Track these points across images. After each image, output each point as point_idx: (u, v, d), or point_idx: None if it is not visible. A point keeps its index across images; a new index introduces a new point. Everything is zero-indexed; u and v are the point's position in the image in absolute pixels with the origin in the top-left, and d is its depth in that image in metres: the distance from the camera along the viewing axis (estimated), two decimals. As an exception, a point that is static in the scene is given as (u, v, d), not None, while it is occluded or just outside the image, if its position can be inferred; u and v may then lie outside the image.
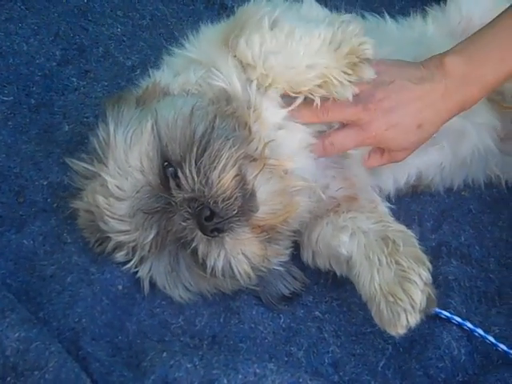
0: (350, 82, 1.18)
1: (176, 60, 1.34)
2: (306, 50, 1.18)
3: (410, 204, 1.52)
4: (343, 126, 1.28)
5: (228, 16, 1.38)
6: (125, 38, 1.81)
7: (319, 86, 1.19)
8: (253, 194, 1.13)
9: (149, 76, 1.34)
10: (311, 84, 1.19)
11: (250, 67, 1.23)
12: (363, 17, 1.56)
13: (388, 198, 1.45)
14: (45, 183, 1.41)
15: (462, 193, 1.56)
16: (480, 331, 1.26)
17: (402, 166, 1.42)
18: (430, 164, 1.47)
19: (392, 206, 1.40)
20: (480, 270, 1.42)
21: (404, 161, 1.35)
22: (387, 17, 1.56)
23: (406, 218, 1.46)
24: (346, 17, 1.23)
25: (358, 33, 1.18)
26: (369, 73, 1.18)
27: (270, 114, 1.24)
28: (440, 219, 1.51)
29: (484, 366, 1.25)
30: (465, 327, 1.27)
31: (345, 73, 1.17)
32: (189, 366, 1.06)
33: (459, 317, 1.28)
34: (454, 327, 1.28)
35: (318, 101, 1.21)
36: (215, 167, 1.10)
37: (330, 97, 1.20)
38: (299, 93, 1.21)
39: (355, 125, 1.25)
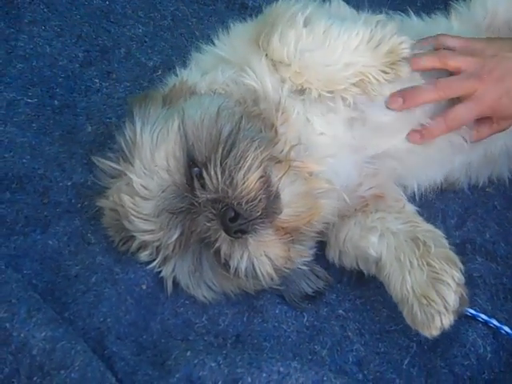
0: (386, 80, 1.19)
1: (205, 57, 1.35)
2: (344, 48, 1.19)
3: (434, 201, 1.51)
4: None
5: (250, 16, 1.40)
6: (146, 39, 1.81)
7: (355, 84, 1.20)
8: (277, 196, 1.13)
9: (175, 74, 1.35)
10: (347, 82, 1.20)
11: (282, 65, 1.22)
12: (387, 14, 1.54)
13: (411, 197, 1.44)
14: (69, 184, 1.42)
15: (487, 189, 1.55)
16: (506, 328, 1.25)
17: (430, 169, 1.43)
18: (460, 163, 1.46)
19: (415, 204, 1.39)
20: (505, 267, 1.40)
21: (436, 164, 1.39)
22: (411, 14, 1.54)
23: (429, 215, 1.44)
24: (381, 16, 1.24)
25: (396, 32, 1.19)
26: (406, 71, 1.20)
27: (301, 117, 1.24)
28: (464, 216, 1.50)
29: (510, 364, 1.24)
30: (491, 325, 1.26)
31: (383, 71, 1.19)
32: (213, 364, 1.06)
33: (485, 314, 1.27)
34: (480, 325, 1.27)
35: (351, 100, 1.22)
36: (240, 168, 1.10)
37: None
38: (332, 92, 1.21)
39: (471, 98, 1.28)
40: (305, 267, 1.27)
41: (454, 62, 1.28)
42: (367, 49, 1.19)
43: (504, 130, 1.36)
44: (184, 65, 1.38)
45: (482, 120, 1.34)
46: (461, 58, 1.29)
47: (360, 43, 1.19)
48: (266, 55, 1.24)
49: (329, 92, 1.22)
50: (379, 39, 1.18)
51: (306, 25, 1.20)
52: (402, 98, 1.26)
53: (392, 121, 1.30)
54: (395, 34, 1.20)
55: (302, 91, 1.24)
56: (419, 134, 1.31)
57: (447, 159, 1.42)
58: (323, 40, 1.19)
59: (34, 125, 1.54)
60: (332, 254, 1.33)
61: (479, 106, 1.28)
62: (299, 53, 1.19)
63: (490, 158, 1.47)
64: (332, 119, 1.27)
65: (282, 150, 1.18)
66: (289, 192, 1.14)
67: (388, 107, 1.28)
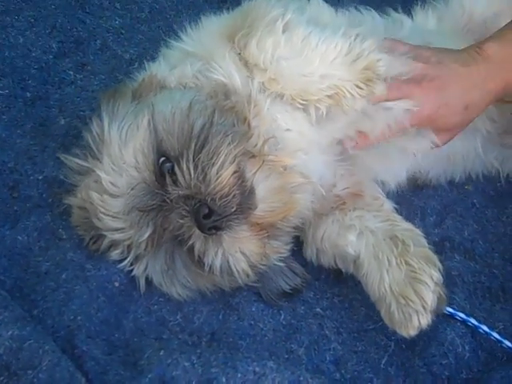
0: (360, 95, 1.17)
1: (173, 52, 1.32)
2: (321, 59, 1.17)
3: (413, 199, 1.50)
4: None
5: (228, 9, 1.37)
6: (123, 31, 1.79)
7: (329, 96, 1.18)
8: (251, 192, 1.11)
9: (145, 69, 1.32)
10: (322, 94, 1.18)
11: (257, 70, 1.21)
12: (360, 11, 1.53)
13: (389, 194, 1.42)
14: (40, 178, 1.39)
15: (466, 187, 1.55)
16: (484, 328, 1.24)
17: (402, 162, 1.42)
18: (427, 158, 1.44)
19: (394, 202, 1.38)
20: (484, 266, 1.40)
21: (404, 156, 1.37)
22: (388, 11, 1.54)
23: (408, 212, 1.44)
24: (361, 29, 1.23)
25: (374, 49, 1.18)
26: (381, 89, 1.19)
27: (272, 110, 1.22)
28: (443, 214, 1.49)
29: (489, 363, 1.23)
30: (469, 323, 1.26)
31: (358, 87, 1.17)
32: (186, 364, 1.04)
33: (463, 313, 1.26)
34: (458, 323, 1.26)
35: (324, 110, 1.20)
36: (213, 164, 1.08)
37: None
38: (307, 101, 1.20)
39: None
40: (281, 263, 1.24)
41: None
42: (344, 62, 1.17)
43: (444, 143, 1.35)
44: (154, 59, 1.36)
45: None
46: (405, 67, 1.27)
47: (337, 56, 1.17)
48: (239, 54, 1.22)
49: (303, 100, 1.20)
50: (357, 54, 1.17)
51: (284, 31, 1.19)
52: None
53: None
54: (374, 51, 1.18)
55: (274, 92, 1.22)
56: (354, 142, 1.30)
57: (407, 156, 1.40)
58: (301, 49, 1.18)
59: (4, 117, 1.51)
60: (309, 253, 1.31)
61: (416, 113, 1.26)
62: (276, 60, 1.18)
63: (458, 155, 1.48)
64: (298, 117, 1.25)
65: (256, 144, 1.16)
66: (263, 187, 1.12)
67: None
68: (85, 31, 1.76)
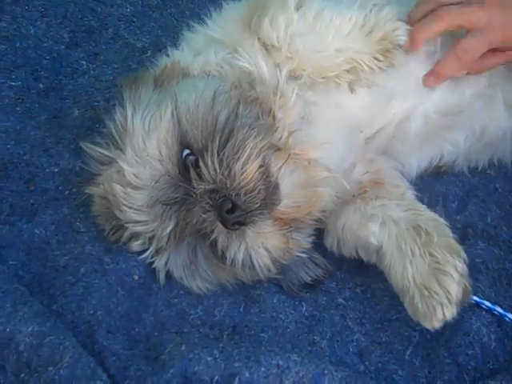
0: (379, 68, 1.16)
1: (197, 37, 1.31)
2: (335, 33, 1.16)
3: (434, 184, 1.48)
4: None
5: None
6: (134, 19, 1.78)
7: (347, 71, 1.17)
8: (276, 187, 1.10)
9: (166, 55, 1.31)
10: (339, 69, 1.17)
11: (274, 49, 1.19)
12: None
13: (411, 181, 1.41)
14: (56, 170, 1.38)
15: (488, 171, 1.52)
16: (511, 316, 1.22)
17: (428, 148, 1.39)
18: (455, 145, 1.42)
19: (415, 188, 1.37)
20: (508, 252, 1.37)
21: (431, 142, 1.35)
22: None
23: (430, 199, 1.42)
24: (377, 0, 1.19)
25: (391, 18, 1.16)
26: (401, 59, 1.17)
27: (299, 100, 1.20)
28: (465, 200, 1.47)
29: (515, 353, 1.21)
30: (495, 312, 1.23)
31: (375, 59, 1.16)
32: (209, 359, 1.03)
33: (488, 301, 1.24)
34: (484, 312, 1.24)
35: (345, 87, 1.19)
36: (239, 158, 1.07)
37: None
38: (325, 78, 1.18)
39: (478, 27, 1.22)
40: (303, 255, 1.23)
41: (450, 16, 1.22)
42: (360, 35, 1.16)
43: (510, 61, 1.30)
44: (175, 45, 1.34)
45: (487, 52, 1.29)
46: None
47: (353, 29, 1.16)
48: (258, 38, 1.21)
49: (321, 78, 1.19)
50: (373, 25, 1.15)
51: (298, 8, 1.17)
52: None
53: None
54: (390, 20, 1.16)
55: (298, 75, 1.21)
56: (434, 75, 1.27)
57: (438, 139, 1.39)
58: (314, 25, 1.16)
59: (18, 109, 1.50)
60: (330, 242, 1.30)
61: (488, 34, 1.22)
62: (290, 37, 1.17)
63: (488, 140, 1.43)
64: (330, 100, 1.23)
65: (281, 137, 1.14)
66: (288, 182, 1.11)
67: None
68: (96, 20, 1.75)
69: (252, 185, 1.07)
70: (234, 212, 1.06)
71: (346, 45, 1.15)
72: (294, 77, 1.21)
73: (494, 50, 1.27)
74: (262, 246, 1.11)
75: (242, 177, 1.06)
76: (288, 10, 1.16)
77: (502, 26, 1.22)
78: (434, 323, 1.11)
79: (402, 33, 1.16)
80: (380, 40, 1.15)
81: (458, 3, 1.23)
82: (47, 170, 1.38)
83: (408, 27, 1.19)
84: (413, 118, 1.32)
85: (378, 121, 1.30)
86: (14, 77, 1.56)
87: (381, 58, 1.16)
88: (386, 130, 1.31)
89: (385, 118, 1.30)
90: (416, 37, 1.22)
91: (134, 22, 1.77)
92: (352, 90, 1.19)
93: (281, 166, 1.10)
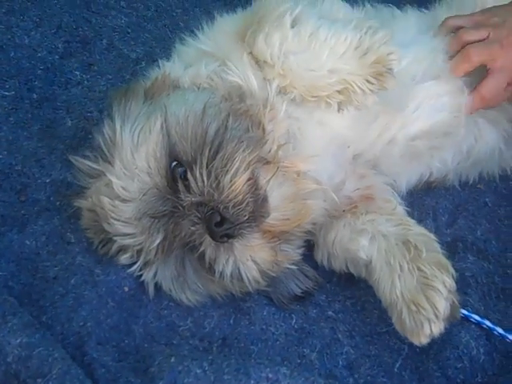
0: (371, 90, 1.15)
1: (188, 50, 1.31)
2: (329, 53, 1.15)
3: (424, 198, 1.49)
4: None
5: (236, 6, 1.35)
6: (129, 30, 1.78)
7: (339, 91, 1.16)
8: (265, 200, 1.10)
9: (158, 66, 1.30)
10: (331, 89, 1.16)
11: (267, 66, 1.19)
12: (377, 7, 1.51)
13: (401, 194, 1.40)
14: (47, 181, 1.38)
15: (478, 185, 1.53)
16: (499, 330, 1.22)
17: (416, 165, 1.40)
18: (443, 163, 1.43)
19: (407, 208, 1.36)
20: (497, 266, 1.38)
21: (418, 161, 1.38)
22: (403, 6, 1.51)
23: (420, 212, 1.43)
24: (373, 22, 1.20)
25: (386, 41, 1.16)
26: (392, 84, 1.16)
27: (288, 114, 1.21)
28: (455, 213, 1.47)
29: (504, 366, 1.22)
30: (484, 326, 1.24)
31: (368, 81, 1.15)
32: (198, 371, 1.03)
33: (477, 315, 1.24)
34: (473, 326, 1.25)
35: (335, 106, 1.18)
36: (227, 171, 1.06)
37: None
38: (316, 97, 1.18)
39: (495, 68, 1.28)
40: (293, 267, 1.23)
41: (478, 56, 1.29)
42: (354, 56, 1.15)
43: None
44: (167, 57, 1.34)
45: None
46: (478, 33, 1.30)
47: (347, 50, 1.15)
48: (250, 53, 1.21)
49: (312, 97, 1.18)
50: (367, 47, 1.15)
51: (293, 25, 1.17)
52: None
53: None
54: (384, 43, 1.15)
55: (288, 91, 1.21)
56: (468, 112, 1.35)
57: (425, 158, 1.40)
58: (309, 43, 1.15)
59: (11, 118, 1.50)
60: (320, 256, 1.30)
61: (506, 72, 1.28)
62: (283, 55, 1.16)
63: (476, 157, 1.44)
64: (313, 120, 1.24)
65: (270, 150, 1.14)
66: (277, 195, 1.11)
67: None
68: (91, 30, 1.75)
69: (240, 197, 1.07)
70: (222, 225, 1.06)
71: (340, 66, 1.15)
72: (284, 92, 1.21)
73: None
74: (250, 258, 1.10)
75: (231, 189, 1.06)
76: (283, 27, 1.16)
77: None
78: (422, 339, 1.11)
79: (395, 57, 1.15)
80: (373, 63, 1.14)
81: (481, 40, 1.30)
82: (39, 181, 1.38)
83: (400, 52, 1.19)
84: (396, 141, 1.33)
85: (363, 140, 1.30)
86: (7, 86, 1.56)
87: (373, 81, 1.15)
88: (372, 149, 1.32)
89: (369, 138, 1.31)
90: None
91: (128, 33, 1.77)
92: (340, 109, 1.19)
93: (269, 179, 1.10)
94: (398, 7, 1.50)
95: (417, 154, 1.36)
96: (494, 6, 1.37)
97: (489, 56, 1.28)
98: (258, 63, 1.20)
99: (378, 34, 1.16)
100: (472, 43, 1.30)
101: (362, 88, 1.15)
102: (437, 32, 1.38)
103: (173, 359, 1.06)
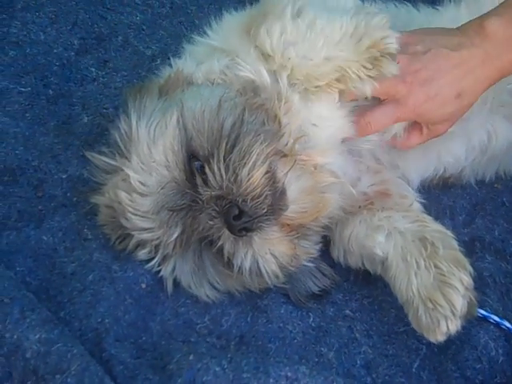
0: (369, 76, 1.14)
1: (198, 49, 1.30)
2: (325, 41, 1.14)
3: (441, 197, 1.48)
4: (378, 103, 1.23)
5: (250, 3, 1.35)
6: (144, 27, 1.78)
7: (337, 80, 1.15)
8: (283, 192, 1.09)
9: (170, 65, 1.31)
10: (329, 77, 1.15)
11: (270, 57, 1.19)
12: (394, 4, 1.50)
13: (418, 193, 1.40)
14: (64, 177, 1.38)
15: (495, 185, 1.51)
16: (519, 330, 1.21)
17: (428, 160, 1.39)
18: (456, 159, 1.42)
19: (423, 200, 1.36)
20: (515, 266, 1.36)
21: (429, 154, 1.35)
22: (419, 3, 1.51)
23: (437, 211, 1.42)
24: (372, 8, 1.20)
25: (382, 26, 1.13)
26: (391, 68, 1.14)
27: (302, 106, 1.20)
28: (473, 213, 1.46)
29: (523, 367, 1.20)
30: (502, 326, 1.23)
31: (364, 67, 1.13)
32: (217, 369, 1.02)
33: (496, 315, 1.24)
34: (491, 326, 1.24)
35: (336, 95, 1.18)
36: (245, 164, 1.06)
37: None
38: (317, 87, 1.17)
39: (392, 100, 1.21)
40: (310, 264, 1.23)
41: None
42: (349, 43, 1.14)
43: (439, 135, 1.27)
44: (179, 55, 1.34)
45: (411, 126, 1.27)
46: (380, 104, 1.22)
47: (343, 37, 1.14)
48: (256, 46, 1.20)
49: (314, 87, 1.18)
50: (362, 33, 1.13)
51: (295, 17, 1.16)
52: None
53: None
54: (380, 28, 1.13)
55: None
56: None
57: (439, 151, 1.39)
58: (306, 33, 1.15)
59: (27, 115, 1.50)
60: (337, 253, 1.29)
61: (399, 110, 1.21)
62: (283, 46, 1.16)
63: (491, 154, 1.43)
64: (329, 111, 1.23)
65: (287, 143, 1.14)
66: (295, 188, 1.10)
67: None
68: (106, 27, 1.75)
69: (258, 190, 1.06)
70: (240, 218, 1.06)
71: (335, 53, 1.14)
72: (294, 84, 1.20)
73: (421, 129, 1.26)
74: (269, 252, 1.10)
75: (249, 183, 1.06)
76: (284, 18, 1.16)
77: (416, 104, 1.20)
78: (438, 336, 1.10)
79: (391, 41, 1.13)
80: (369, 48, 1.13)
81: None
82: (55, 177, 1.38)
83: (398, 34, 1.15)
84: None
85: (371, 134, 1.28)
86: (23, 83, 1.56)
87: (369, 66, 1.13)
88: (378, 142, 1.31)
89: (373, 136, 1.29)
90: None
91: (143, 29, 1.77)
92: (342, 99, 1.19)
93: (287, 172, 1.10)
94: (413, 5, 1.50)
95: (426, 145, 1.34)
96: (431, 30, 1.28)
97: (386, 88, 1.18)
98: (264, 56, 1.20)
99: (374, 19, 1.14)
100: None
101: (358, 74, 1.13)
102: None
103: (191, 357, 1.05)
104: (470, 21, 1.24)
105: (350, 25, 1.14)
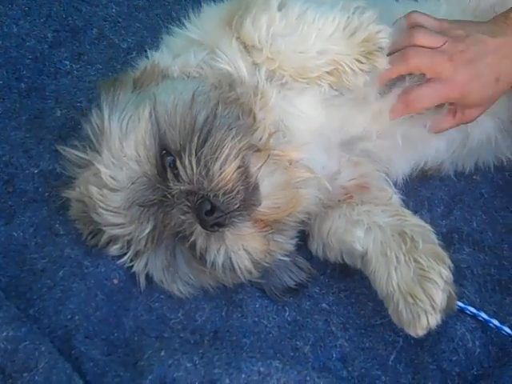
0: (362, 70, 1.15)
1: (176, 40, 1.29)
2: (318, 34, 1.14)
3: (420, 189, 1.47)
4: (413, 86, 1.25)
5: (228, -3, 1.33)
6: (120, 19, 1.76)
7: (329, 73, 1.16)
8: (256, 188, 1.08)
9: (146, 57, 1.29)
10: (321, 70, 1.16)
11: (255, 50, 1.18)
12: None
13: (396, 185, 1.40)
14: (35, 171, 1.37)
15: (474, 176, 1.51)
16: (495, 322, 1.21)
17: (410, 153, 1.39)
18: (438, 151, 1.42)
19: (401, 193, 1.36)
20: (493, 257, 1.37)
21: (413, 147, 1.35)
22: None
23: (415, 203, 1.42)
24: (360, 2, 1.19)
25: (374, 20, 1.15)
26: (383, 62, 1.16)
27: (278, 101, 1.19)
28: (451, 204, 1.46)
29: (500, 359, 1.20)
30: (479, 318, 1.23)
31: (358, 61, 1.15)
32: (188, 365, 1.01)
33: (473, 307, 1.23)
34: (468, 318, 1.24)
35: (326, 88, 1.18)
36: (217, 158, 1.05)
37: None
38: (306, 79, 1.17)
39: (438, 78, 1.22)
40: (286, 258, 1.22)
41: (416, 60, 1.22)
42: (342, 36, 1.15)
43: (468, 122, 1.30)
44: (156, 47, 1.33)
45: (445, 110, 1.29)
46: (432, 39, 1.23)
47: (335, 30, 1.15)
48: (238, 38, 1.20)
49: (302, 78, 1.18)
50: (355, 27, 1.14)
51: (280, 8, 1.16)
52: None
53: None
54: (373, 22, 1.15)
55: (277, 76, 1.20)
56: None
57: (421, 144, 1.38)
58: (297, 25, 1.15)
59: (-2, 109, 1.49)
60: (315, 247, 1.28)
61: (446, 87, 1.23)
62: (271, 38, 1.15)
63: (471, 146, 1.43)
64: (305, 106, 1.23)
65: (261, 138, 1.13)
66: (268, 183, 1.09)
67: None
68: (81, 20, 1.73)
69: (231, 185, 1.05)
70: (212, 213, 1.05)
71: (328, 46, 1.14)
72: (272, 78, 1.20)
73: (455, 111, 1.28)
74: (242, 248, 1.09)
75: (221, 177, 1.05)
76: (270, 10, 1.15)
77: (463, 82, 1.22)
78: (418, 331, 1.10)
79: (384, 35, 1.15)
80: (363, 42, 1.14)
81: (432, 47, 1.23)
82: (27, 172, 1.36)
83: (390, 29, 1.18)
84: (389, 127, 1.31)
85: (352, 127, 1.29)
86: (-5, 76, 1.55)
87: (363, 60, 1.14)
88: (365, 135, 1.31)
89: (361, 125, 1.29)
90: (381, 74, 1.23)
91: (119, 22, 1.75)
92: (332, 91, 1.20)
93: (260, 167, 1.09)
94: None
95: (410, 139, 1.35)
96: (466, 21, 1.32)
97: (430, 64, 1.22)
98: (246, 48, 1.19)
99: (366, 14, 1.16)
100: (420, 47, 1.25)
101: (352, 68, 1.15)
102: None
103: (163, 353, 1.05)
104: (496, 15, 1.29)
105: (342, 18, 1.15)
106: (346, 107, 1.26)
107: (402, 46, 1.24)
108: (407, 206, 1.32)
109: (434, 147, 1.40)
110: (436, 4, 1.50)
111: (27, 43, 1.64)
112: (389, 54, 1.19)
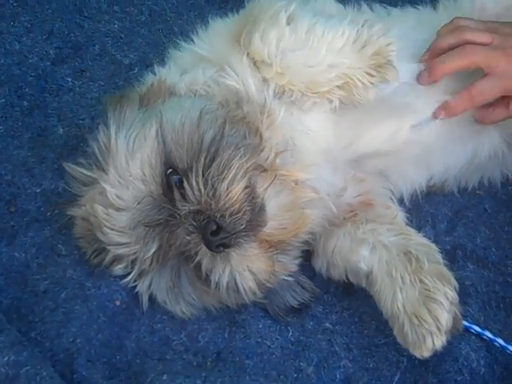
0: (372, 84, 1.15)
1: (184, 55, 1.29)
2: (328, 48, 1.14)
3: (423, 205, 1.45)
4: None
5: (231, 10, 1.34)
6: (122, 35, 1.76)
7: (339, 87, 1.16)
8: (262, 208, 1.07)
9: (153, 73, 1.29)
10: (331, 84, 1.16)
11: (264, 65, 1.18)
12: (371, 7, 1.49)
13: (401, 202, 1.39)
14: (38, 191, 1.36)
15: (477, 192, 1.50)
16: (500, 341, 1.20)
17: (420, 170, 1.39)
18: (448, 167, 1.41)
19: (405, 209, 1.36)
20: (497, 274, 1.35)
21: (423, 165, 1.36)
22: (398, 7, 1.50)
23: (418, 219, 1.41)
24: (368, 15, 1.22)
25: (384, 33, 1.16)
26: (393, 75, 1.16)
27: (286, 120, 1.19)
28: (454, 220, 1.45)
29: (505, 378, 1.19)
30: (484, 337, 1.21)
31: (368, 74, 1.15)
32: (191, 389, 1.00)
33: (478, 326, 1.22)
34: (473, 337, 1.22)
35: (336, 103, 1.18)
36: (224, 178, 1.04)
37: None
38: (316, 93, 1.17)
39: (495, 72, 1.23)
40: (290, 278, 1.21)
41: (474, 56, 1.24)
42: (352, 50, 1.15)
43: None
44: (162, 63, 1.32)
45: (498, 101, 1.30)
46: (483, 36, 1.25)
47: (345, 44, 1.15)
48: (248, 54, 1.19)
49: (313, 93, 1.17)
50: (365, 40, 1.15)
51: (289, 23, 1.16)
52: (427, 72, 1.24)
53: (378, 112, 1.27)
54: (383, 35, 1.16)
55: (286, 92, 1.20)
56: (444, 110, 1.28)
57: (430, 160, 1.38)
58: (306, 39, 1.15)
59: (0, 127, 1.49)
60: (319, 265, 1.28)
61: (504, 80, 1.24)
62: (281, 53, 1.15)
63: (480, 160, 1.42)
64: (318, 117, 1.23)
65: (267, 158, 1.12)
66: (274, 203, 1.08)
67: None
68: (83, 36, 1.73)
69: (237, 206, 1.04)
70: (218, 234, 1.04)
71: (339, 60, 1.14)
72: (281, 95, 1.20)
73: (508, 103, 1.29)
74: (247, 268, 1.08)
75: (227, 198, 1.04)
76: (279, 24, 1.15)
77: None
78: (424, 352, 1.10)
79: (394, 48, 1.16)
80: (373, 55, 1.14)
81: (483, 44, 1.25)
82: (29, 191, 1.35)
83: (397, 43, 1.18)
84: (404, 142, 1.31)
85: (357, 147, 1.29)
86: (-4, 94, 1.55)
87: (374, 73, 1.15)
88: (371, 155, 1.30)
89: (366, 146, 1.29)
90: (437, 69, 1.23)
91: (121, 38, 1.75)
92: (340, 105, 1.20)
93: (267, 187, 1.08)
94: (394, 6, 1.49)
95: (421, 156, 1.35)
96: (509, 22, 1.33)
97: (486, 59, 1.23)
98: (256, 64, 1.19)
99: (375, 27, 1.16)
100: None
101: (362, 81, 1.15)
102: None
103: (165, 376, 1.04)
104: None
105: (351, 31, 1.15)
106: (356, 124, 1.26)
107: (452, 44, 1.25)
108: (411, 222, 1.32)
109: (443, 164, 1.40)
110: (434, 15, 1.50)
111: (29, 60, 1.64)
112: (438, 55, 1.22)
